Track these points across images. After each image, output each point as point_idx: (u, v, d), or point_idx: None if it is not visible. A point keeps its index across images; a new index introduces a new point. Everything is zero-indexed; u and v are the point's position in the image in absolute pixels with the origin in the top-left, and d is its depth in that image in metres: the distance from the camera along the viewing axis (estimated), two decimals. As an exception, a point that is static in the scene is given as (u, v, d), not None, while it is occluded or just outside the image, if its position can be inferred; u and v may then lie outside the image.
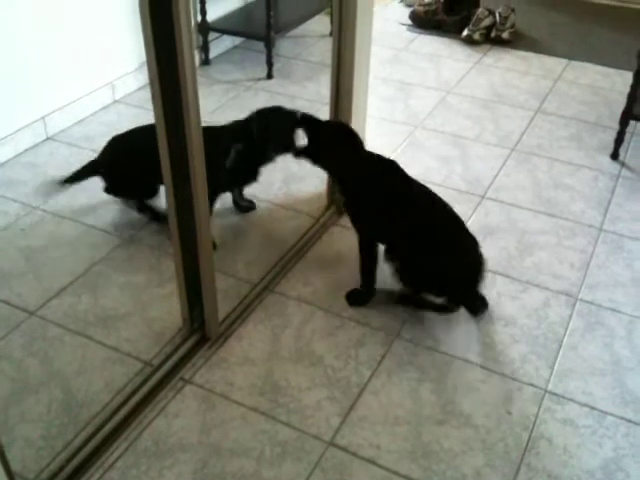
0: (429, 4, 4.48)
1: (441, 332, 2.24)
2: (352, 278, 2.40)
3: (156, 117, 1.76)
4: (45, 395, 1.98)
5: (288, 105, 3.40)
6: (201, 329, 2.14)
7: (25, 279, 2.39)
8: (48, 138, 3.16)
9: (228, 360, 2.11)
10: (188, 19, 1.61)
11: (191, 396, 1.99)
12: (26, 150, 3.07)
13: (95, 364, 2.08)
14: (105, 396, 1.96)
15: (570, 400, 2.02)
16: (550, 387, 2.06)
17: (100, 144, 2.90)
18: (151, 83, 1.72)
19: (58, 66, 3.13)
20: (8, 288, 2.34)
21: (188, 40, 1.63)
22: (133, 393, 1.94)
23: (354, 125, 2.64)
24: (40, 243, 2.55)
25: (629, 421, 1.97)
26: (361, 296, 2.34)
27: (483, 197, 2.89)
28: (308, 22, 4.07)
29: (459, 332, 2.24)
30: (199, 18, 3.75)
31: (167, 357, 2.06)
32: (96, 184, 2.71)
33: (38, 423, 1.90)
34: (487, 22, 4.28)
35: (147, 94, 1.78)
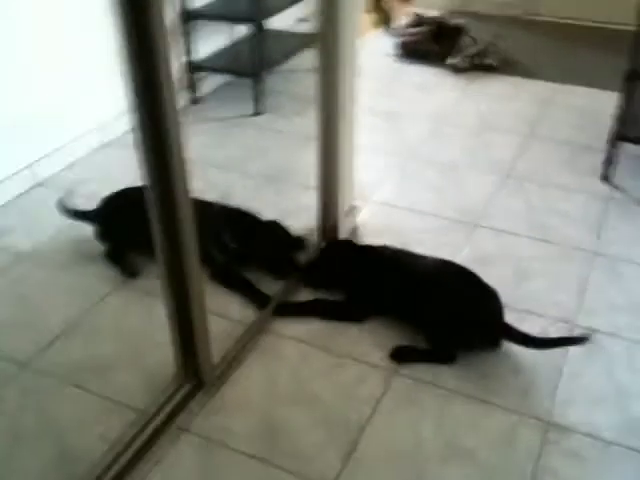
0: (416, 34, 4.51)
1: (439, 366, 2.21)
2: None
3: (141, 160, 1.74)
4: (39, 450, 1.94)
5: (276, 140, 3.41)
6: (196, 375, 2.10)
7: (16, 330, 2.36)
8: (37, 184, 3.15)
9: (225, 406, 2.07)
10: (167, 59, 1.60)
11: (188, 445, 1.95)
12: (15, 198, 3.05)
13: (89, 415, 2.04)
14: (100, 448, 1.91)
15: (573, 431, 1.99)
16: (552, 418, 2.03)
17: (90, 188, 2.90)
18: (134, 127, 1.70)
19: (44, 111, 3.13)
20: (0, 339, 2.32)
21: (169, 81, 1.61)
22: (128, 444, 1.90)
23: (343, 159, 2.63)
24: (31, 292, 2.53)
25: (634, 450, 1.93)
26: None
27: (477, 225, 2.88)
28: (296, 57, 4.09)
29: (458, 365, 2.21)
30: (187, 58, 3.76)
31: (162, 405, 2.02)
32: (83, 231, 2.70)
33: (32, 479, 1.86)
34: (472, 50, 4.31)
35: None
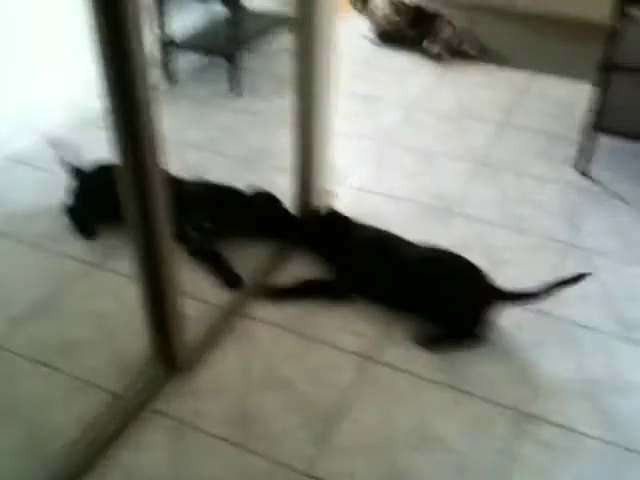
0: (393, 18, 4.48)
1: (413, 353, 2.22)
2: (323, 301, 2.38)
3: (114, 138, 1.70)
4: (8, 431, 1.91)
5: (253, 121, 3.39)
6: (170, 357, 2.08)
7: (-15, 308, 2.32)
8: (9, 160, 3.07)
9: (198, 389, 2.06)
10: (140, 36, 1.56)
11: (161, 428, 1.93)
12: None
13: (60, 395, 2.02)
14: (71, 430, 1.89)
15: (545, 421, 2.01)
16: (526, 408, 2.05)
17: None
18: (106, 105, 1.66)
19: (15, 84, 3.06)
20: (-32, 318, 2.27)
21: (142, 58, 1.58)
22: (100, 426, 1.88)
23: (319, 142, 2.61)
24: (3, 270, 2.47)
25: (606, 442, 1.96)
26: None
27: (451, 213, 2.89)
28: (274, 37, 4.04)
29: (432, 354, 2.22)
30: (162, 35, 3.69)
31: (135, 387, 2.00)
32: (57, 209, 2.66)
33: (0, 460, 1.83)
34: (448, 34, 4.29)
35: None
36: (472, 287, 2.33)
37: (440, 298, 2.28)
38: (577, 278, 2.25)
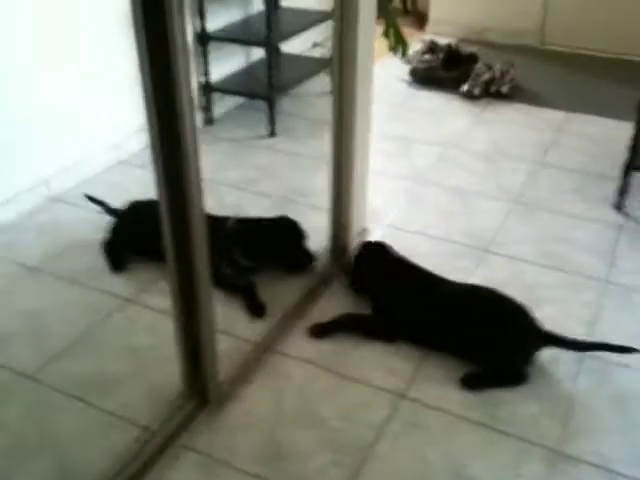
0: (429, 61, 4.54)
1: (447, 391, 2.18)
2: (356, 337, 2.37)
3: (156, 177, 1.75)
4: (40, 464, 1.92)
5: (289, 162, 3.44)
6: (202, 392, 2.09)
7: (24, 342, 2.36)
8: (52, 199, 3.16)
9: (229, 424, 2.06)
10: (187, 80, 1.62)
11: (191, 463, 1.93)
12: (30, 212, 3.07)
13: (92, 430, 2.03)
14: (102, 464, 1.90)
15: (582, 461, 1.95)
16: (562, 447, 2.00)
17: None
18: (151, 147, 1.72)
19: (61, 127, 3.16)
20: (6, 352, 2.31)
21: (189, 103, 1.64)
22: (131, 461, 1.88)
23: (355, 182, 2.64)
24: (40, 305, 2.53)
25: (645, 483, 1.90)
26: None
27: (487, 251, 2.86)
28: (310, 81, 4.12)
29: (466, 392, 2.18)
30: (202, 79, 3.80)
31: (166, 422, 2.01)
32: (96, 245, 2.72)
33: (33, 494, 1.85)
34: (486, 77, 4.33)
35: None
36: (524, 328, 2.29)
37: (490, 339, 2.24)
38: (623, 349, 2.24)
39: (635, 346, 2.27)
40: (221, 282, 2.53)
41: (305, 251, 2.67)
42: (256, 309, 2.50)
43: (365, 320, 2.45)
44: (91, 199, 3.02)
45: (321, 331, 2.41)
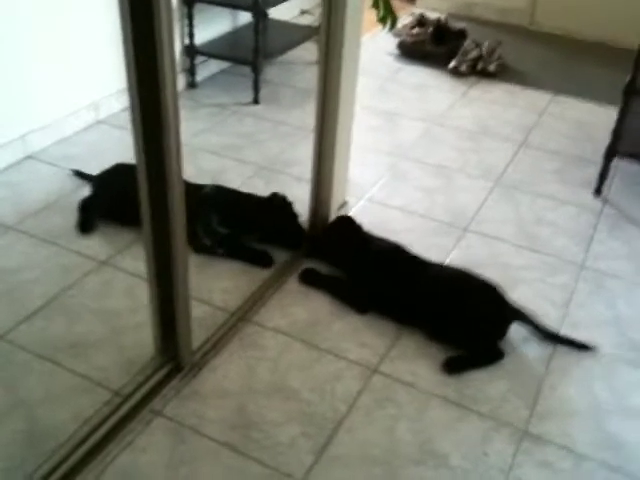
0: (417, 35, 4.50)
1: (420, 367, 2.20)
2: (332, 309, 2.37)
3: (135, 140, 1.72)
4: (8, 424, 1.91)
5: (272, 131, 3.41)
6: (174, 359, 2.08)
7: (-5, 301, 2.33)
8: (28, 157, 3.11)
9: (201, 392, 2.05)
10: (171, 42, 1.58)
11: (160, 429, 1.93)
12: (5, 169, 3.01)
13: (62, 392, 2.01)
14: (71, 426, 1.89)
15: (548, 442, 1.98)
16: (528, 428, 2.02)
17: (82, 164, 2.87)
18: (131, 108, 1.68)
19: (40, 85, 3.09)
20: (-23, 310, 2.28)
21: (170, 64, 1.60)
22: (100, 424, 1.88)
23: (338, 154, 2.62)
24: (12, 265, 2.49)
25: (609, 466, 1.93)
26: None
27: (466, 230, 2.87)
28: (296, 49, 4.06)
29: (438, 368, 2.20)
30: (187, 41, 3.73)
31: (137, 387, 2.00)
32: (72, 205, 2.68)
33: (-1, 454, 1.83)
34: (474, 54, 4.30)
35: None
36: (495, 306, 2.31)
37: (461, 318, 2.25)
38: (581, 346, 2.29)
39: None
40: (200, 249, 2.53)
41: (299, 230, 2.66)
42: (263, 259, 2.55)
43: (345, 286, 2.46)
44: (78, 174, 2.96)
45: (308, 279, 2.48)
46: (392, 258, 2.49)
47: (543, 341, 2.31)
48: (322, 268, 2.55)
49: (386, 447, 1.94)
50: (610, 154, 3.08)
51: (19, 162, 3.07)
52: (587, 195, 3.15)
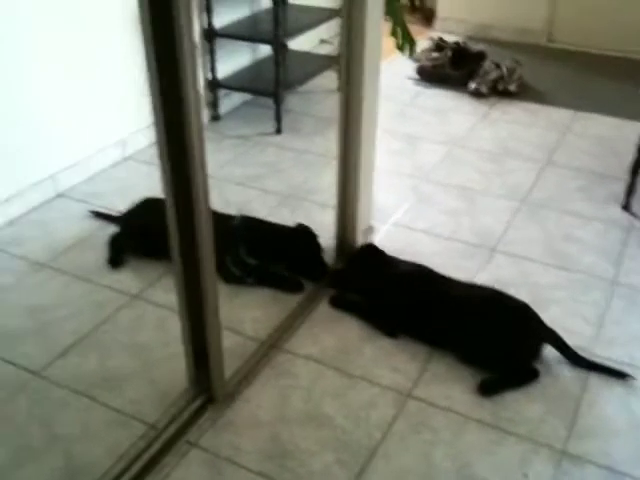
0: (436, 59, 4.53)
1: (453, 390, 2.18)
2: (362, 335, 2.37)
3: (162, 174, 1.75)
4: (47, 461, 1.92)
5: (295, 159, 3.43)
6: (207, 390, 2.09)
7: (30, 339, 2.36)
8: (58, 195, 3.17)
9: (235, 422, 2.05)
10: (194, 77, 1.62)
11: (196, 461, 1.93)
12: (36, 207, 3.07)
13: (98, 427, 2.03)
14: (107, 461, 1.90)
15: (588, 462, 1.95)
16: (567, 448, 1.99)
17: (110, 201, 2.92)
18: (158, 143, 1.72)
19: (68, 124, 3.16)
20: (13, 348, 2.31)
21: (195, 99, 1.63)
22: (136, 458, 1.89)
23: (362, 179, 2.63)
24: (46, 302, 2.53)
25: (651, 485, 1.89)
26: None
27: (493, 250, 2.86)
28: (316, 78, 4.11)
29: (472, 390, 2.18)
30: (209, 75, 3.80)
31: (172, 419, 2.01)
32: (102, 241, 2.73)
33: (39, 490, 1.85)
34: (494, 75, 4.31)
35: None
36: (528, 326, 2.29)
37: (494, 339, 2.23)
38: (619, 374, 2.22)
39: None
40: (229, 279, 2.54)
41: (322, 263, 2.67)
42: (293, 285, 2.58)
43: (374, 310, 2.45)
44: (98, 214, 3.01)
45: (338, 303, 2.50)
46: (419, 279, 2.48)
47: (575, 367, 2.26)
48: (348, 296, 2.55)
49: (423, 473, 1.92)
50: (636, 168, 3.05)
51: (50, 201, 3.13)
52: (614, 211, 3.12)
